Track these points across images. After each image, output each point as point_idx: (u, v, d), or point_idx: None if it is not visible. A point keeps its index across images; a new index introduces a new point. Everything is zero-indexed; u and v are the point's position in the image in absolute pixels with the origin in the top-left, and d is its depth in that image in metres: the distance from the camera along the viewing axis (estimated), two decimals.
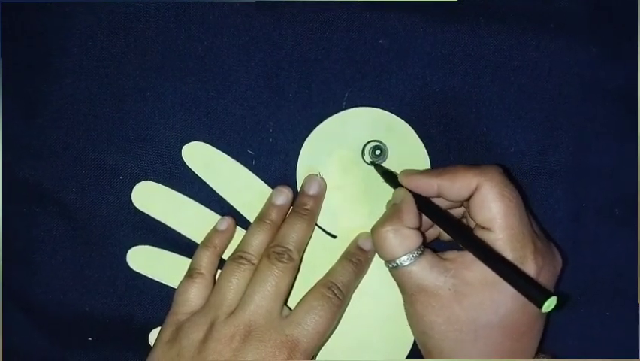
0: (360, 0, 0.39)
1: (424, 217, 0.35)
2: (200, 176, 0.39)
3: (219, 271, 0.37)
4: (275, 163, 0.39)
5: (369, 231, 0.37)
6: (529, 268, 0.32)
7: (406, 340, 0.38)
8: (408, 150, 0.39)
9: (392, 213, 0.34)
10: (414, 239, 0.33)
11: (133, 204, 0.40)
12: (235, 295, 0.35)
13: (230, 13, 0.39)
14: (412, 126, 0.39)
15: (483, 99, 0.39)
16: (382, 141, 0.39)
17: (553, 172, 0.39)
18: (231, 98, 0.39)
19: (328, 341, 0.37)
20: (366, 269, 0.38)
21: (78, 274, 0.40)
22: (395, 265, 0.33)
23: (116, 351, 0.40)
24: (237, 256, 0.36)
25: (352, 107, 0.39)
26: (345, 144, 0.39)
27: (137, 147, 0.40)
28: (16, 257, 0.40)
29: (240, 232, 0.39)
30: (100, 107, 0.40)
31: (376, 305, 0.39)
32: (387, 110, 0.39)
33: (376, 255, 0.38)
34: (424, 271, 0.33)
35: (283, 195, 0.38)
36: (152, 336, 0.40)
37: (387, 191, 0.38)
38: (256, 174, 0.39)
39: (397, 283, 0.34)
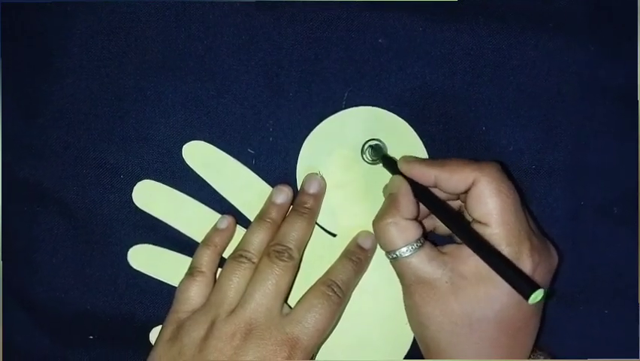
0: (359, 0, 0.39)
1: (421, 207, 0.35)
2: (201, 175, 0.39)
3: (220, 269, 0.37)
4: (275, 162, 0.40)
5: (369, 229, 0.37)
6: (525, 264, 0.32)
7: (405, 338, 0.39)
8: (407, 148, 0.39)
9: (390, 204, 0.34)
10: (413, 231, 0.33)
11: (134, 203, 0.40)
12: (236, 293, 0.35)
13: (230, 13, 0.39)
14: (411, 125, 0.39)
15: (482, 98, 0.39)
16: (382, 139, 0.39)
17: (552, 171, 0.40)
18: (231, 97, 0.40)
19: (328, 339, 0.37)
20: (366, 267, 0.38)
21: (79, 272, 0.40)
22: (395, 255, 0.34)
23: (117, 349, 0.40)
24: (238, 254, 0.36)
25: (352, 106, 0.39)
26: (345, 143, 0.39)
27: (137, 146, 0.40)
28: (17, 256, 0.41)
29: (240, 231, 0.39)
30: (100, 106, 0.40)
31: (376, 303, 0.39)
32: (387, 110, 0.39)
33: (376, 253, 0.38)
34: (423, 263, 0.33)
35: (283, 194, 0.38)
36: (153, 334, 0.40)
37: (387, 184, 0.38)
38: (256, 173, 0.39)
39: (397, 274, 0.35)
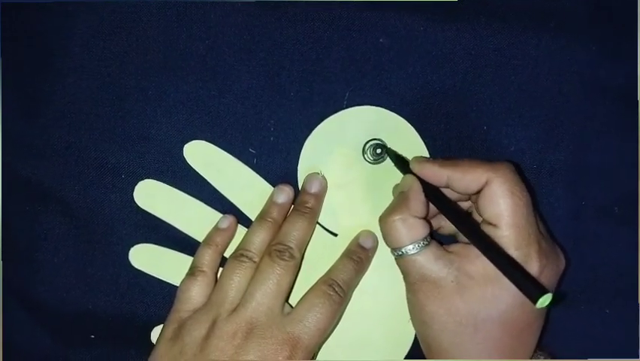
0: (360, 0, 0.39)
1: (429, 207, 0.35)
2: (202, 174, 0.40)
3: (221, 269, 0.38)
4: (276, 162, 0.40)
5: (371, 229, 0.37)
6: (533, 266, 0.32)
7: (406, 338, 0.39)
8: (408, 148, 0.39)
9: (400, 201, 0.34)
10: (420, 229, 0.33)
11: (135, 203, 0.40)
12: (237, 292, 0.35)
13: (231, 13, 0.39)
14: (412, 125, 0.39)
15: (483, 98, 0.39)
16: (383, 139, 0.39)
17: (553, 170, 0.40)
18: (233, 97, 0.40)
19: (329, 339, 0.37)
20: (367, 267, 0.38)
21: (80, 272, 0.40)
22: (401, 253, 0.33)
23: (118, 349, 0.40)
24: (239, 254, 0.36)
25: (353, 106, 0.39)
26: (346, 142, 0.39)
27: (138, 145, 0.40)
28: (19, 256, 0.41)
29: (241, 230, 0.39)
30: (102, 106, 0.40)
31: (377, 303, 0.39)
32: (388, 109, 0.39)
33: (377, 253, 0.38)
34: (429, 261, 0.33)
35: (284, 194, 0.38)
36: (155, 334, 0.40)
37: (388, 190, 0.38)
38: (257, 172, 0.39)
39: (402, 272, 0.35)
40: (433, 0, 0.39)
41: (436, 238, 0.35)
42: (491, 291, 0.32)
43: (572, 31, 0.39)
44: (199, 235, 0.39)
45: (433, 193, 0.34)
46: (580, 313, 0.40)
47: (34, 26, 0.40)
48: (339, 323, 0.38)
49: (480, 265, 0.32)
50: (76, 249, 0.40)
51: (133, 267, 0.40)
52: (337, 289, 0.35)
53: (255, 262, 0.36)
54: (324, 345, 0.37)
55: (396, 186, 0.37)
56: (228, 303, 0.35)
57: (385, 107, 0.39)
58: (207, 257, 0.38)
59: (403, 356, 0.39)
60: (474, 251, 0.32)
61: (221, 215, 0.39)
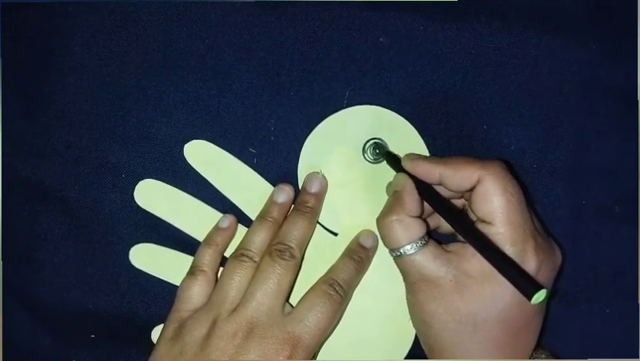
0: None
1: (425, 205, 0.35)
2: (202, 174, 0.40)
3: (221, 268, 0.38)
4: (276, 161, 0.40)
5: (371, 228, 0.37)
6: (530, 263, 0.32)
7: (406, 338, 0.39)
8: (409, 147, 0.39)
9: (395, 201, 0.34)
10: (418, 229, 0.33)
11: (135, 203, 0.40)
12: (237, 292, 0.35)
13: (231, 13, 0.39)
14: (412, 124, 0.39)
15: (483, 97, 0.39)
16: (383, 138, 0.39)
17: (553, 170, 0.40)
18: (233, 96, 0.40)
19: (329, 338, 0.37)
20: (368, 266, 0.38)
21: (81, 272, 0.40)
22: (399, 253, 0.33)
23: (118, 348, 0.40)
24: (239, 253, 0.36)
25: (353, 105, 0.39)
26: (346, 142, 0.39)
27: (139, 145, 0.40)
28: (19, 255, 0.41)
29: (241, 230, 0.39)
30: (102, 105, 0.40)
31: (377, 303, 0.39)
32: (388, 109, 0.39)
33: (377, 253, 0.38)
34: (427, 261, 0.33)
35: (284, 193, 0.38)
36: (155, 333, 0.40)
37: (390, 181, 0.38)
38: (258, 172, 0.39)
39: (401, 272, 0.35)
40: (432, 0, 0.39)
41: (435, 237, 0.35)
42: (490, 289, 0.32)
43: (572, 31, 0.39)
44: (199, 235, 0.39)
45: (426, 191, 0.34)
46: (580, 313, 0.40)
47: (34, 26, 0.40)
48: (340, 322, 0.38)
49: (478, 263, 0.32)
50: (76, 248, 0.40)
51: (133, 266, 0.40)
52: (338, 289, 0.35)
53: (255, 261, 0.36)
54: (324, 345, 0.37)
55: (389, 184, 0.37)
56: (229, 303, 0.35)
57: (385, 107, 0.39)
58: (208, 257, 0.38)
59: (403, 356, 0.39)
60: (471, 250, 0.32)
61: (221, 215, 0.39)
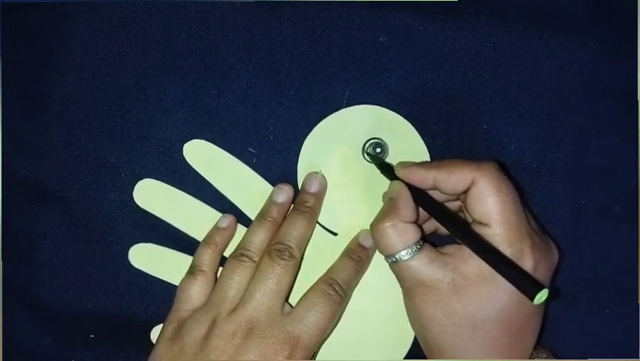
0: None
1: (421, 210, 0.35)
2: (202, 174, 0.40)
3: (221, 268, 0.37)
4: (276, 161, 0.40)
5: (370, 228, 0.37)
6: (527, 262, 0.32)
7: (406, 338, 0.39)
8: (408, 147, 0.39)
9: (389, 208, 0.34)
10: (412, 234, 0.33)
11: (134, 202, 0.40)
12: (237, 292, 0.35)
13: (230, 12, 0.39)
14: (412, 124, 0.39)
15: (483, 97, 0.39)
16: (383, 138, 0.39)
17: (553, 170, 0.40)
18: (232, 96, 0.40)
19: (329, 338, 0.37)
20: (367, 266, 0.38)
21: (80, 271, 0.40)
22: (395, 259, 0.33)
23: (118, 348, 0.40)
24: (239, 253, 0.36)
25: (353, 105, 0.39)
26: (346, 141, 0.39)
27: (138, 145, 0.40)
28: (18, 255, 0.41)
29: (241, 230, 0.39)
30: (101, 105, 0.40)
31: (376, 303, 0.39)
32: (388, 108, 0.39)
33: (376, 253, 0.38)
34: (423, 265, 0.33)
35: (284, 193, 0.38)
36: (155, 333, 0.40)
37: (386, 191, 0.38)
38: (257, 171, 0.39)
39: (397, 278, 0.34)
40: (432, 0, 0.39)
41: (432, 238, 0.35)
42: (487, 290, 0.32)
43: (572, 30, 0.39)
44: (199, 235, 0.39)
45: (421, 197, 0.34)
46: (580, 313, 0.40)
47: (34, 26, 0.40)
48: (339, 322, 0.38)
49: (475, 264, 0.32)
50: (75, 248, 0.40)
51: (132, 266, 0.40)
52: (337, 289, 0.35)
53: (254, 261, 0.36)
54: (324, 345, 0.37)
55: (386, 193, 0.37)
56: (228, 302, 0.35)
57: (385, 107, 0.39)
58: (207, 257, 0.38)
59: (403, 356, 0.39)
60: (468, 251, 0.32)
61: (220, 214, 0.39)
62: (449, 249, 0.34)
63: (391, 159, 0.39)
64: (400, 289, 0.35)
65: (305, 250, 0.38)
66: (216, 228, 0.39)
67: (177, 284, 0.38)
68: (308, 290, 0.36)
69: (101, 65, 0.40)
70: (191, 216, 0.39)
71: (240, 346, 0.33)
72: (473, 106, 0.39)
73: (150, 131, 0.40)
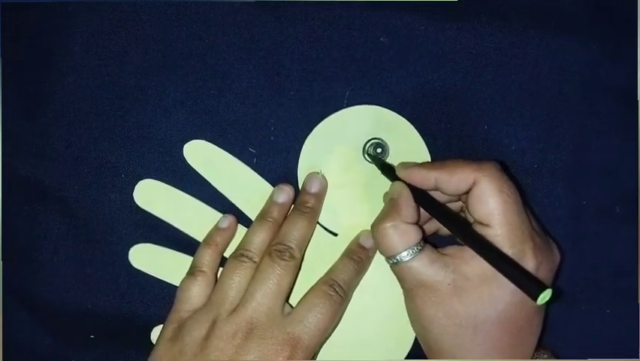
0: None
1: (422, 211, 0.35)
2: (202, 174, 0.39)
3: (221, 268, 0.37)
4: (276, 161, 0.40)
5: (371, 228, 0.37)
6: (528, 263, 0.32)
7: (406, 338, 0.39)
8: (409, 147, 0.39)
9: (390, 208, 0.34)
10: (413, 235, 0.33)
11: (135, 203, 0.40)
12: (237, 292, 0.35)
13: (231, 12, 0.39)
14: (413, 124, 0.39)
15: (484, 97, 0.39)
16: (383, 138, 0.39)
17: (554, 170, 0.40)
18: (232, 96, 0.40)
19: (329, 339, 0.37)
20: (368, 267, 0.38)
21: (80, 272, 0.40)
22: (395, 260, 0.33)
23: (118, 349, 0.40)
24: (239, 253, 0.36)
25: (353, 105, 0.39)
26: (347, 141, 0.39)
27: (138, 145, 0.40)
28: (18, 255, 0.41)
29: (241, 230, 0.39)
30: (101, 105, 0.40)
31: (377, 303, 0.39)
32: (389, 108, 0.39)
33: (377, 253, 0.38)
34: (424, 266, 0.33)
35: (284, 193, 0.38)
36: (155, 334, 0.40)
37: (388, 188, 0.38)
38: (257, 172, 0.39)
39: (398, 279, 0.34)
40: (433, 0, 0.39)
41: (432, 239, 0.35)
42: (488, 291, 0.32)
43: (572, 30, 0.39)
44: (199, 235, 0.39)
45: (422, 198, 0.34)
46: (580, 313, 0.40)
47: (34, 26, 0.40)
48: (340, 323, 0.38)
49: (476, 265, 0.32)
50: (75, 248, 0.40)
51: (132, 267, 0.40)
52: (338, 290, 0.35)
53: (255, 262, 0.36)
54: (324, 345, 0.37)
55: (387, 193, 0.37)
56: (228, 303, 0.35)
57: (386, 107, 0.39)
58: (207, 257, 0.38)
59: (403, 356, 0.39)
60: (469, 252, 0.32)
61: (221, 215, 0.39)
62: (450, 250, 0.34)
63: (392, 159, 0.39)
64: (400, 290, 0.35)
65: (305, 250, 0.38)
66: (216, 228, 0.39)
67: (177, 285, 0.38)
68: (308, 291, 0.36)
69: (101, 65, 0.40)
70: (191, 216, 0.39)
71: (240, 346, 0.33)
72: (474, 106, 0.39)
73: (150, 132, 0.40)
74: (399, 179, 0.36)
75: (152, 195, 0.40)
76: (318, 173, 0.39)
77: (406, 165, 0.36)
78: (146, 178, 0.40)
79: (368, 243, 0.38)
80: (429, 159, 0.39)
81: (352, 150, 0.39)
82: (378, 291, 0.39)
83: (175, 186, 0.40)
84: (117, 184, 0.40)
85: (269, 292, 0.34)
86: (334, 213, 0.39)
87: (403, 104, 0.39)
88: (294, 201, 0.39)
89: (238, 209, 0.39)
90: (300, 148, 0.39)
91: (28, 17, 0.40)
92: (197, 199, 0.40)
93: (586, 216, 0.40)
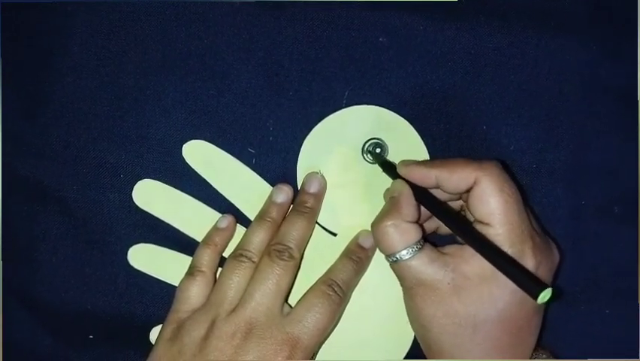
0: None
1: (422, 209, 0.35)
2: (201, 174, 0.39)
3: (220, 269, 0.37)
4: (275, 161, 0.40)
5: (370, 228, 0.37)
6: (528, 262, 0.32)
7: (405, 338, 0.38)
8: (408, 147, 0.39)
9: (391, 207, 0.34)
10: (413, 233, 0.33)
11: (134, 203, 0.40)
12: (236, 292, 0.35)
13: (230, 12, 0.39)
14: (412, 124, 0.39)
15: (483, 97, 0.39)
16: (382, 138, 0.39)
17: (553, 170, 0.40)
18: (232, 96, 0.40)
19: (328, 339, 0.37)
20: (367, 267, 0.38)
21: (79, 272, 0.40)
22: (395, 259, 0.33)
23: (117, 349, 0.40)
24: (238, 253, 0.36)
25: (352, 105, 0.39)
26: (346, 141, 0.39)
27: (137, 145, 0.40)
28: (18, 255, 0.41)
29: (240, 230, 0.39)
30: (100, 105, 0.40)
31: (376, 303, 0.39)
32: (388, 108, 0.39)
33: (376, 253, 0.38)
34: (424, 265, 0.33)
35: (283, 193, 0.38)
36: (154, 334, 0.40)
37: (387, 188, 0.38)
38: (256, 172, 0.39)
39: (397, 277, 0.34)
40: (432, 0, 0.39)
41: (432, 238, 0.35)
42: (488, 290, 0.32)
43: (571, 30, 0.39)
44: (198, 235, 0.39)
45: (423, 196, 0.34)
46: (580, 313, 0.40)
47: (34, 26, 0.40)
48: (339, 323, 0.38)
49: (475, 264, 0.32)
50: (74, 248, 0.40)
51: (132, 267, 0.40)
52: (337, 289, 0.35)
53: (254, 262, 0.36)
54: (323, 345, 0.37)
55: (387, 191, 0.37)
56: (227, 303, 0.35)
57: (385, 107, 0.39)
58: (206, 257, 0.38)
59: (403, 356, 0.39)
60: (468, 251, 0.32)
61: (220, 215, 0.39)
62: (450, 249, 0.34)
63: (391, 159, 0.39)
64: (399, 289, 0.35)
65: (304, 250, 0.38)
66: (215, 228, 0.39)
67: (176, 285, 0.38)
68: (307, 291, 0.36)
69: (101, 66, 0.40)
70: (190, 216, 0.39)
71: (240, 347, 0.33)
72: (473, 106, 0.39)
73: (149, 132, 0.40)
74: (399, 177, 0.35)
75: (151, 195, 0.40)
76: (317, 173, 0.39)
77: (406, 163, 0.36)
78: (145, 178, 0.40)
79: (367, 243, 0.38)
80: (428, 159, 0.39)
81: (351, 150, 0.39)
82: (377, 291, 0.39)
83: (174, 187, 0.40)
84: (116, 184, 0.40)
85: (268, 292, 0.34)
86: (333, 213, 0.39)
87: (402, 104, 0.39)
88: (293, 201, 0.39)
89: (237, 209, 0.39)
90: (299, 148, 0.39)
91: (28, 17, 0.40)
92: (196, 199, 0.40)
93: (585, 216, 0.40)
